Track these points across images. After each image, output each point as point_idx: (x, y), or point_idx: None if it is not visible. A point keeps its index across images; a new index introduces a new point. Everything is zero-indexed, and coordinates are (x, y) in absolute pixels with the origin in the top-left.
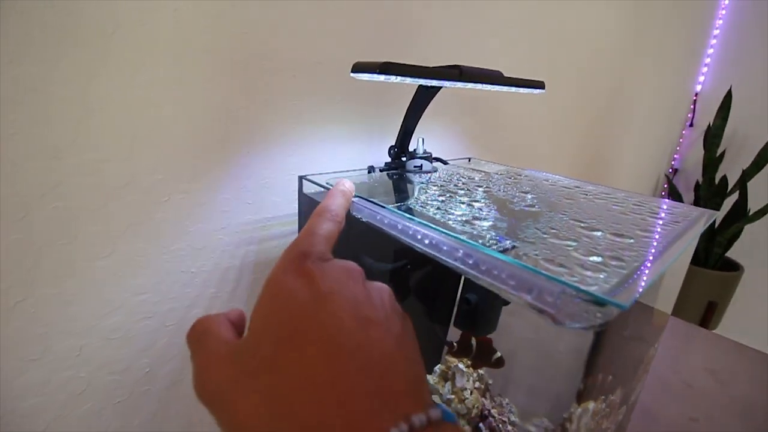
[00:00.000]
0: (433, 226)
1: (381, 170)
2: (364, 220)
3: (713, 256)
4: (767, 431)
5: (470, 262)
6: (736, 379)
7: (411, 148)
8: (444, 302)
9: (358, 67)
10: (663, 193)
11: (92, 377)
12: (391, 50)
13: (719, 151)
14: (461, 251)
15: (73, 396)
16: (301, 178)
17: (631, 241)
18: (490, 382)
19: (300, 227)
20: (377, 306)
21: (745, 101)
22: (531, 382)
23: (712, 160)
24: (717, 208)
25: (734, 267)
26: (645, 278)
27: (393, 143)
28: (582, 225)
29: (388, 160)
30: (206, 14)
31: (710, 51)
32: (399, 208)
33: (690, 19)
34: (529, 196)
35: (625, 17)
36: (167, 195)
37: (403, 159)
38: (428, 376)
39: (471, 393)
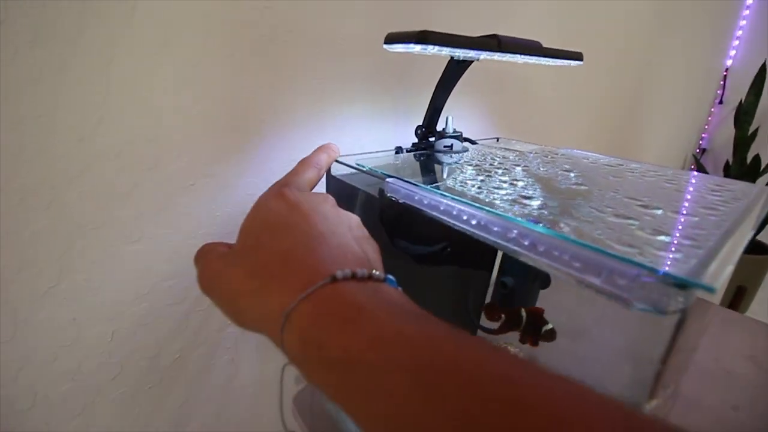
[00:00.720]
0: (480, 206)
1: (408, 150)
2: (401, 201)
3: None
4: None
5: (525, 243)
6: None
7: (439, 128)
8: (479, 286)
9: (392, 38)
10: (692, 166)
11: (125, 362)
12: (413, 26)
13: (751, 130)
14: (515, 231)
15: (106, 381)
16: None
17: (696, 219)
18: None
19: None
20: (343, 222)
21: None
22: (601, 370)
23: (743, 139)
24: None
25: (765, 250)
26: (724, 257)
27: (419, 123)
28: (639, 203)
29: (415, 141)
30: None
31: (742, 23)
32: (438, 188)
33: (715, 11)
34: (572, 174)
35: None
36: (193, 179)
37: (431, 139)
38: None
39: None
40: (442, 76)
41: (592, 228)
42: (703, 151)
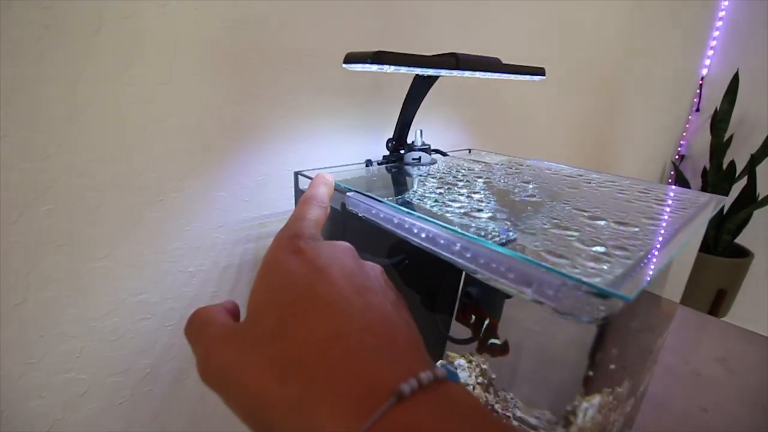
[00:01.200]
0: (430, 218)
1: (380, 164)
2: (360, 215)
3: (722, 243)
4: None
5: (468, 255)
6: (746, 368)
7: (409, 140)
8: (445, 296)
9: (350, 58)
10: (670, 180)
11: (93, 379)
12: (387, 40)
13: (726, 136)
14: (458, 244)
15: (75, 398)
16: (296, 174)
17: (636, 229)
18: (494, 376)
19: None
20: (371, 277)
21: (752, 84)
22: (535, 375)
23: (719, 146)
24: (725, 193)
25: (744, 253)
26: (651, 268)
27: (391, 136)
28: (585, 214)
29: (387, 153)
30: (193, 7)
31: (716, 33)
32: (396, 201)
33: (695, 0)
34: (531, 186)
35: (625, 19)
36: (161, 194)
37: (402, 152)
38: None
39: (474, 389)
40: (408, 91)
41: (532, 240)
42: (682, 157)
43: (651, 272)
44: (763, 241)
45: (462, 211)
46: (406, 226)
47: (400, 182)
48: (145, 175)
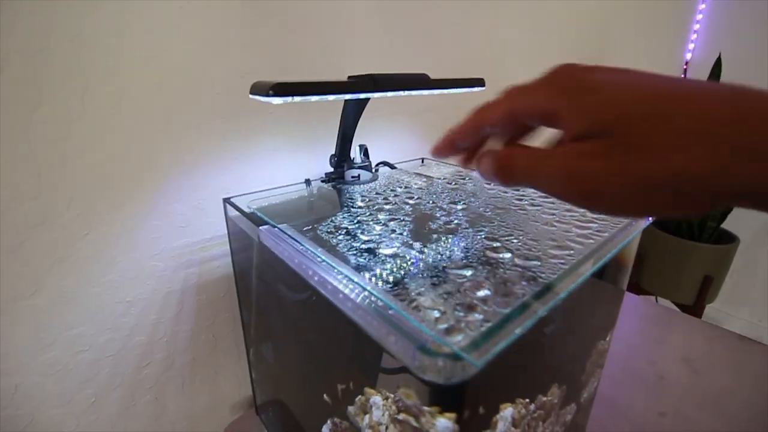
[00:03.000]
0: (322, 258)
1: (323, 181)
2: (271, 250)
3: (707, 229)
4: (737, 424)
5: (348, 305)
6: (712, 369)
7: (352, 155)
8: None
9: (254, 89)
10: None
11: (35, 412)
12: (324, 59)
13: None
14: (341, 294)
15: None
16: (225, 201)
17: (538, 263)
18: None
19: (231, 251)
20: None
21: (735, 69)
22: None
23: None
24: None
25: (730, 239)
26: (514, 330)
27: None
28: (495, 244)
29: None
30: (107, 34)
31: (699, 17)
32: (306, 234)
33: (671, 9)
34: (458, 207)
35: (603, 13)
36: (87, 228)
37: (344, 167)
38: (350, 408)
39: (387, 428)
40: (342, 111)
41: (419, 283)
42: None
43: (514, 333)
44: (748, 226)
45: (366, 246)
46: (303, 267)
47: (326, 207)
48: (69, 211)
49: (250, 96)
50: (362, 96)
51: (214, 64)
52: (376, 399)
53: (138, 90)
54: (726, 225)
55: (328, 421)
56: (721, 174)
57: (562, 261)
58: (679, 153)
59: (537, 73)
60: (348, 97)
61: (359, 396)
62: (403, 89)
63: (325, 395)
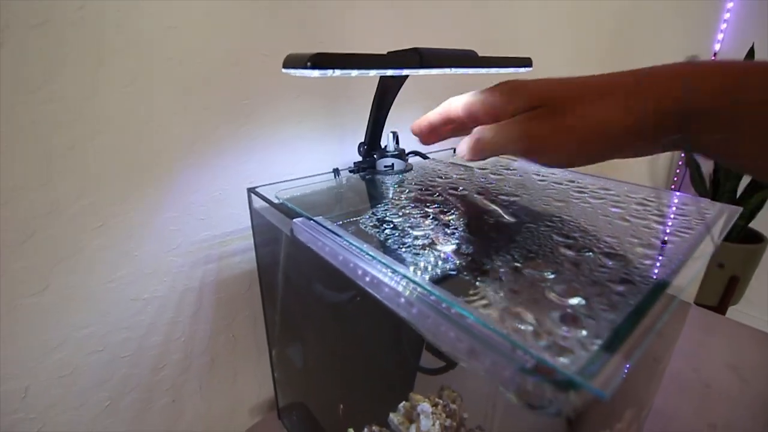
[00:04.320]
0: (373, 256)
1: (351, 171)
2: (308, 245)
3: (735, 228)
4: None
5: (414, 311)
6: (759, 375)
7: (383, 144)
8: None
9: (288, 62)
10: (680, 162)
11: (45, 417)
12: (355, 40)
13: None
14: (402, 298)
15: None
16: (250, 191)
17: (624, 263)
18: (465, 416)
19: (255, 245)
20: None
21: None
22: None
23: None
24: (739, 177)
25: (758, 239)
26: (635, 353)
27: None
28: (568, 241)
29: (360, 158)
30: (116, 8)
31: (730, 5)
32: (348, 228)
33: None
34: (512, 199)
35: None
36: (100, 220)
37: (375, 157)
38: (392, 415)
39: None
40: (376, 92)
41: (495, 288)
42: None
43: (637, 351)
44: None
45: (421, 243)
46: (351, 266)
47: (362, 199)
48: (80, 200)
49: (284, 70)
50: (405, 72)
51: (235, 41)
52: (425, 406)
53: (154, 68)
54: (754, 225)
55: (365, 429)
56: (625, 115)
57: (656, 262)
58: (592, 106)
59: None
60: (389, 73)
61: (403, 402)
62: (451, 66)
63: (359, 399)
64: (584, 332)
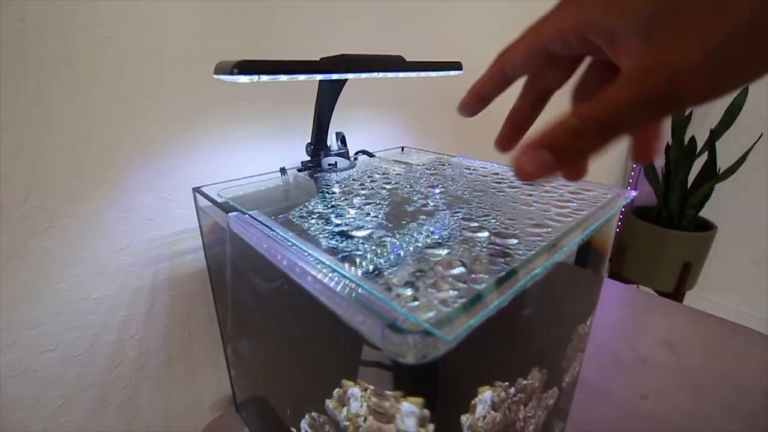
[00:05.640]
0: (292, 241)
1: (299, 170)
2: (240, 237)
3: (686, 217)
4: (718, 404)
5: (317, 287)
6: (692, 351)
7: (329, 144)
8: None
9: (218, 69)
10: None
11: None
12: (301, 42)
13: (686, 112)
14: (309, 276)
15: None
16: (195, 191)
17: (515, 242)
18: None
19: (203, 243)
20: None
21: None
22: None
23: (679, 121)
24: (687, 169)
25: (708, 227)
26: (491, 302)
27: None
28: (471, 225)
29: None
30: (56, 19)
31: None
32: (278, 219)
33: None
34: (437, 191)
35: None
36: (48, 221)
37: (321, 156)
38: (327, 401)
39: (365, 420)
40: (317, 95)
41: (390, 266)
42: None
43: (488, 308)
44: (725, 213)
45: (339, 230)
46: (272, 252)
47: (300, 195)
48: (27, 202)
49: (214, 76)
50: (335, 77)
51: (180, 45)
52: (354, 390)
53: (97, 74)
54: (703, 213)
55: (306, 416)
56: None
57: (540, 238)
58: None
59: None
60: (320, 77)
61: (337, 389)
62: (377, 71)
63: (301, 389)
64: (452, 293)
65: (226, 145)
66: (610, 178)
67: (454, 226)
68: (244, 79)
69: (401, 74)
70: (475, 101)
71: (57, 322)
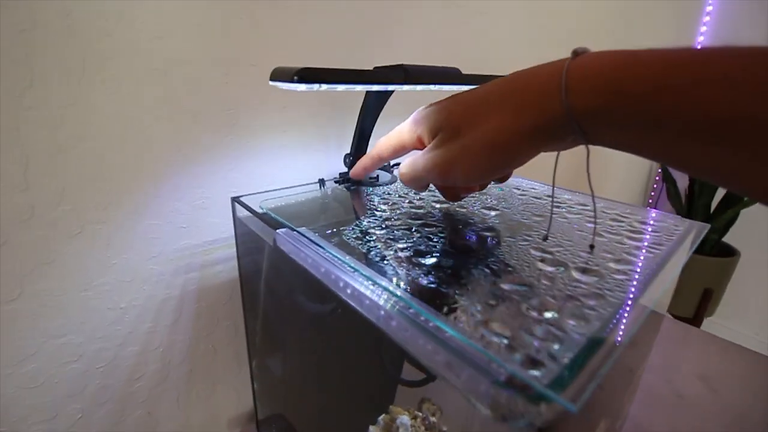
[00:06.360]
0: (355, 268)
1: (336, 181)
2: (290, 256)
3: (709, 242)
4: None
5: (393, 324)
6: (729, 386)
7: None
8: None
9: (275, 75)
10: (657, 178)
11: (16, 428)
12: (345, 52)
13: None
14: (382, 311)
15: None
16: (234, 200)
17: (597, 279)
18: (445, 429)
19: (238, 254)
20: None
21: None
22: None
23: None
24: (712, 191)
25: (731, 252)
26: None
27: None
28: (545, 255)
29: (345, 170)
30: (101, 17)
31: (709, 9)
32: (331, 239)
33: (678, 11)
34: (493, 214)
35: (612, 11)
36: (79, 226)
37: None
38: (371, 428)
39: None
40: (362, 104)
41: (473, 300)
42: None
43: (608, 363)
44: (749, 239)
45: (403, 255)
46: (332, 277)
47: (346, 210)
48: (60, 206)
49: (271, 82)
50: (390, 87)
51: (223, 50)
52: (404, 419)
53: (138, 75)
54: (727, 239)
55: None
56: (515, 126)
57: (626, 277)
58: (484, 124)
59: None
60: (375, 88)
61: (383, 414)
62: (435, 83)
63: (339, 412)
64: (556, 346)
65: (262, 153)
66: (629, 196)
67: (525, 257)
68: (303, 87)
69: (456, 87)
70: (364, 173)
71: (83, 332)
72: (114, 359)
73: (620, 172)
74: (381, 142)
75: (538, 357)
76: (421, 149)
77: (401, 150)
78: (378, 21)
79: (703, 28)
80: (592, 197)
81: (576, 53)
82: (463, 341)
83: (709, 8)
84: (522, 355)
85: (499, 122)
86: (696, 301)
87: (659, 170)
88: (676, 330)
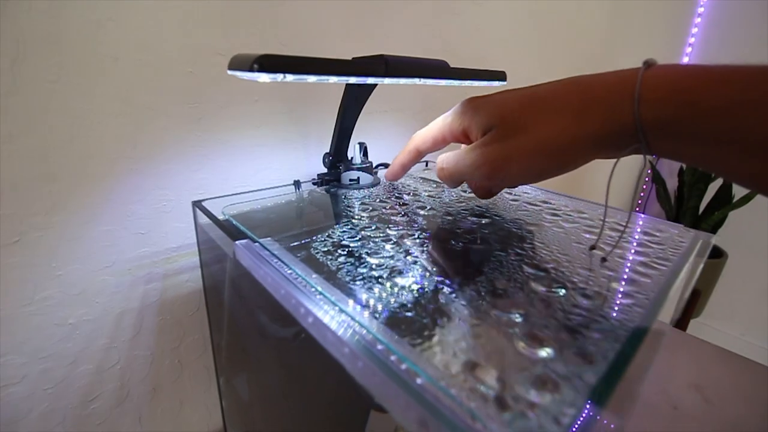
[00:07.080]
0: (319, 290)
1: (314, 183)
2: (248, 271)
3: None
4: None
5: (359, 365)
6: (723, 396)
7: (350, 155)
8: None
9: (234, 63)
10: (647, 179)
11: None
12: (323, 40)
13: None
14: (347, 348)
15: None
16: (194, 205)
17: (600, 303)
18: None
19: (201, 263)
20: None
21: None
22: None
23: None
24: (701, 193)
25: (719, 254)
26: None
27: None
28: (539, 273)
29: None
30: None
31: (689, 50)
32: (296, 252)
33: (670, 12)
34: (483, 221)
35: (604, 14)
36: (18, 234)
37: (341, 169)
38: None
39: None
40: (342, 99)
41: (455, 335)
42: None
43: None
44: (737, 241)
45: (376, 274)
46: (293, 302)
47: (320, 217)
48: None
49: (229, 71)
50: (369, 80)
51: (186, 36)
52: None
53: (87, 62)
54: (715, 240)
55: None
56: (576, 131)
57: (632, 301)
58: (544, 125)
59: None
60: (352, 80)
61: None
62: (420, 76)
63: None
64: (555, 397)
65: (233, 151)
66: (618, 196)
67: (517, 276)
68: (265, 77)
69: (443, 82)
70: (402, 171)
71: (24, 351)
72: (64, 379)
73: (609, 171)
74: (419, 134)
75: (532, 414)
76: (465, 143)
77: (441, 143)
78: (367, 12)
79: (695, 30)
80: (605, 208)
81: (648, 64)
82: (442, 391)
83: (701, 10)
84: (514, 411)
85: (561, 125)
86: (684, 302)
87: (649, 171)
88: (667, 335)
